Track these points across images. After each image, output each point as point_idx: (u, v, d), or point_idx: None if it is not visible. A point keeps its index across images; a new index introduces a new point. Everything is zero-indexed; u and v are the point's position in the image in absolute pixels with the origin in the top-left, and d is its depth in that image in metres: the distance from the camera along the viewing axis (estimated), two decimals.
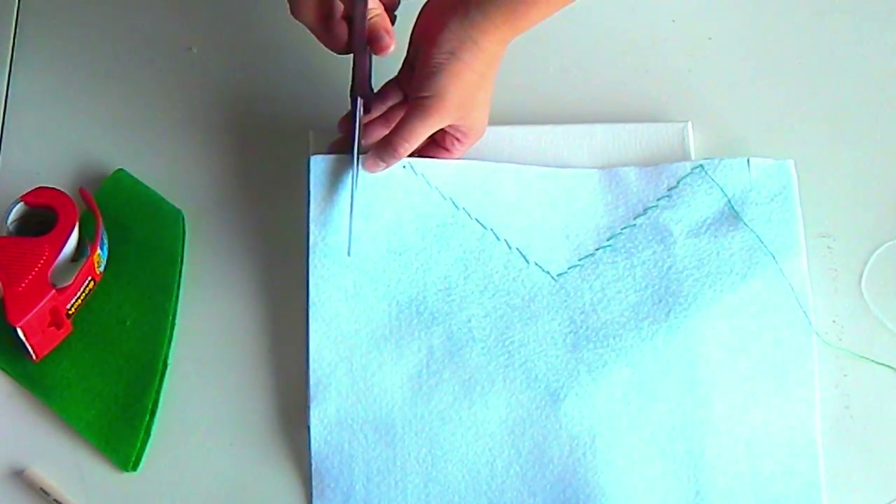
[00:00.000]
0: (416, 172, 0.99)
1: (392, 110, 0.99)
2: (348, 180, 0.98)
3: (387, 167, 0.97)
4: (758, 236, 0.98)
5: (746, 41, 1.08)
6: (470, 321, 0.97)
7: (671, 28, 1.09)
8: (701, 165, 1.01)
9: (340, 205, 0.98)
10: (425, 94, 0.94)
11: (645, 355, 0.96)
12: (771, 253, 0.98)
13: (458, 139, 0.99)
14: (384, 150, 0.97)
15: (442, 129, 0.97)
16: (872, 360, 0.98)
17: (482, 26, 0.92)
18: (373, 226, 0.98)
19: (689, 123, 1.04)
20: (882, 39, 1.08)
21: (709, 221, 0.99)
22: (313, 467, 0.94)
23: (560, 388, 0.95)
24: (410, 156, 0.98)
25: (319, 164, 0.99)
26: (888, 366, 0.98)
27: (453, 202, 0.99)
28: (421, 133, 0.96)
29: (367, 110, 0.98)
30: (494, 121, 1.03)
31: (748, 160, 1.00)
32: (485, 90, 0.96)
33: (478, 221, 0.99)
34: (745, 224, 0.99)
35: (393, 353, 0.96)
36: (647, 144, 1.03)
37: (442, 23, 0.93)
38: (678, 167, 1.01)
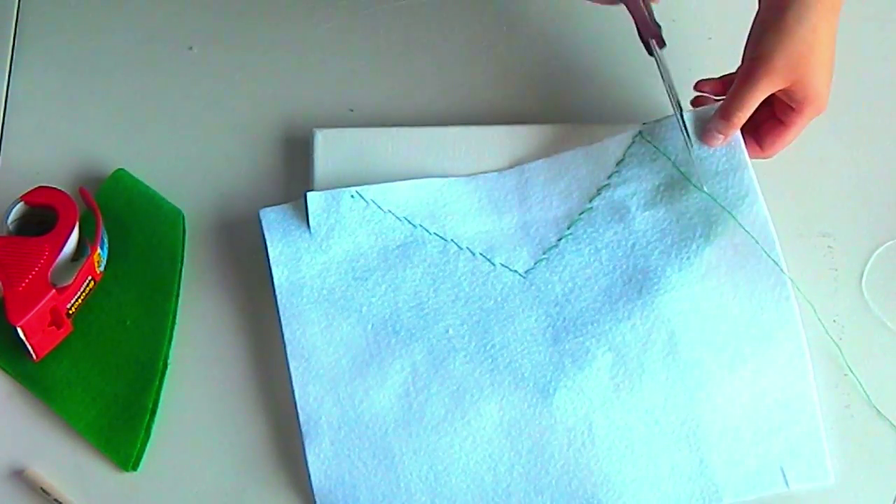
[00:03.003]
0: (366, 200, 0.99)
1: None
2: (297, 221, 0.98)
3: (726, 139, 0.95)
4: (708, 194, 0.97)
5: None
6: (448, 332, 0.97)
7: (671, 28, 1.08)
8: (640, 132, 1.00)
9: (296, 244, 0.98)
10: (751, 57, 0.91)
11: (625, 336, 0.96)
12: (726, 208, 0.97)
13: (792, 108, 0.94)
14: (718, 121, 0.94)
15: (777, 97, 0.93)
16: (872, 361, 0.98)
17: None
18: (333, 259, 0.98)
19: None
20: (882, 39, 1.08)
21: (662, 188, 0.99)
22: None
23: (548, 382, 0.95)
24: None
25: (269, 215, 0.99)
26: (888, 366, 0.98)
27: (409, 221, 0.99)
28: (750, 100, 0.92)
29: (661, 45, 0.97)
30: (494, 121, 1.03)
31: (681, 114, 0.98)
32: (820, 49, 0.90)
33: (437, 235, 0.99)
34: (694, 185, 0.98)
35: (377, 377, 0.96)
36: None
37: None
38: (622, 139, 1.00)
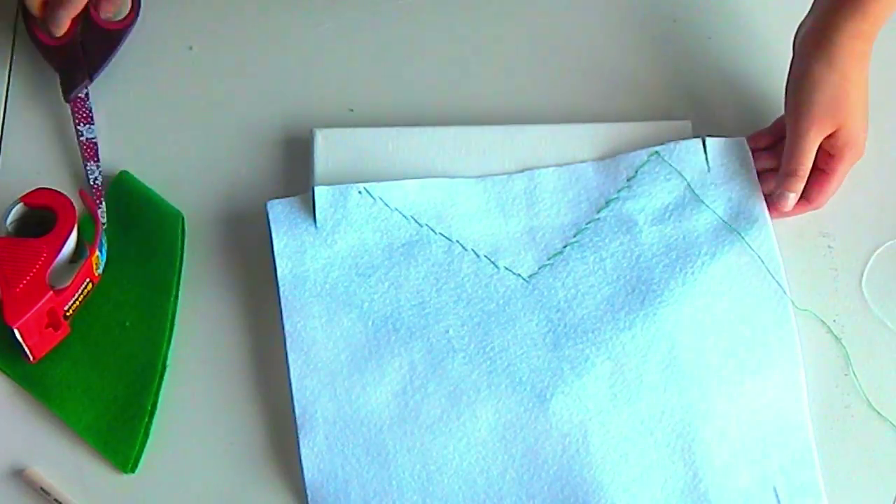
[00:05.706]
0: (373, 197, 0.99)
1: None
2: (304, 215, 0.98)
3: (797, 194, 0.97)
4: (720, 217, 0.98)
5: (746, 41, 1.08)
6: (448, 332, 0.97)
7: (671, 28, 1.09)
8: (657, 152, 1.00)
9: (301, 237, 0.98)
10: (792, 112, 0.94)
11: (625, 346, 0.96)
12: (736, 229, 0.98)
13: (832, 155, 0.96)
14: (785, 179, 0.96)
15: (819, 147, 0.96)
16: (872, 361, 0.98)
17: (830, 21, 0.91)
18: (337, 253, 0.98)
19: (690, 123, 1.04)
20: (882, 39, 1.08)
21: (671, 207, 0.99)
22: (309, 498, 0.93)
23: (546, 388, 0.95)
24: None
25: (276, 207, 0.99)
26: (888, 366, 0.98)
27: (416, 220, 0.99)
28: (807, 149, 0.95)
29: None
30: (495, 120, 1.03)
31: (703, 140, 1.00)
32: (855, 94, 0.94)
33: (443, 235, 0.99)
34: (707, 206, 0.98)
35: (375, 374, 0.96)
36: (647, 144, 1.03)
37: (801, 27, 0.94)
38: (635, 156, 1.01)
